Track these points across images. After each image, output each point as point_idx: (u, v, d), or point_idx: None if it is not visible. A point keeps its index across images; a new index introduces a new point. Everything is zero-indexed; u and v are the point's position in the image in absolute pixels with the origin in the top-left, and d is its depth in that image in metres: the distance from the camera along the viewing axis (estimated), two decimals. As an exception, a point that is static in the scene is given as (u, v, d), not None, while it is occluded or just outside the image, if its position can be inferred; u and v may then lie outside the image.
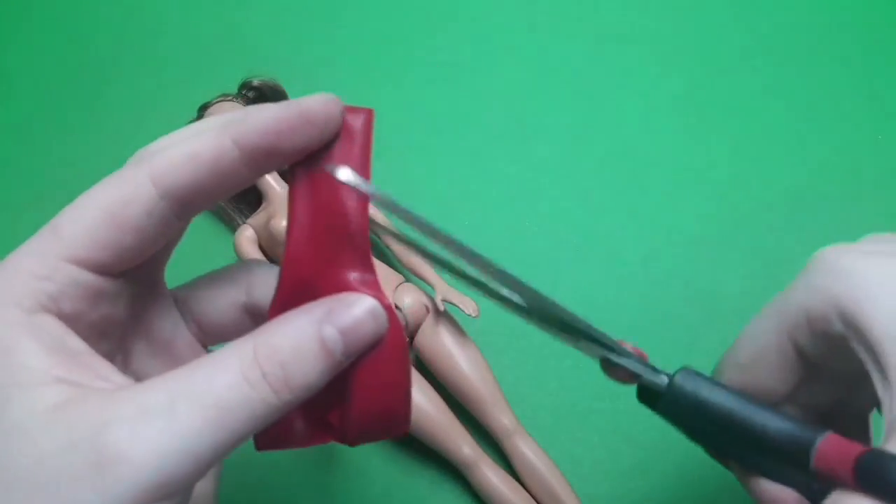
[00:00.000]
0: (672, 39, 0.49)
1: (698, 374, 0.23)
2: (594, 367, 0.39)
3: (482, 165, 0.45)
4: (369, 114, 0.21)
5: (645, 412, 0.38)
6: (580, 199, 0.44)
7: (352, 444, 0.21)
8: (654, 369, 0.23)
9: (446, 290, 0.36)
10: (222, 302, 0.22)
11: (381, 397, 0.21)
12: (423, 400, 0.35)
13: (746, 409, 0.22)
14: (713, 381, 0.23)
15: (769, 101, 0.47)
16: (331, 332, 0.18)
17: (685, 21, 0.50)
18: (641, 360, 0.23)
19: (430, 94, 0.47)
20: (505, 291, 0.22)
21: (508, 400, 0.36)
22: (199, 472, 0.17)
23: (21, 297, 0.17)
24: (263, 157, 0.19)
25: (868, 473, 0.19)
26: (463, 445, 0.35)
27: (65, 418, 0.16)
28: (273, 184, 0.40)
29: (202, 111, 0.42)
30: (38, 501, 0.16)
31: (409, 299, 0.37)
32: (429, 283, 0.37)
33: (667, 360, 0.38)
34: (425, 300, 0.37)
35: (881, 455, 0.19)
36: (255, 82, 0.42)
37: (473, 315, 0.35)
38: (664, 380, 0.23)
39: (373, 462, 0.37)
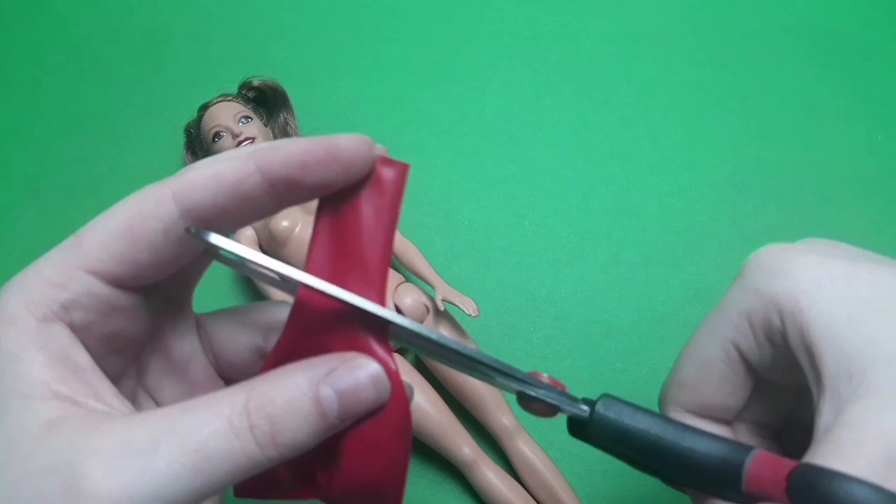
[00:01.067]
0: (672, 40, 0.49)
1: (619, 401, 0.22)
2: (594, 366, 0.39)
3: (482, 165, 0.45)
4: (404, 168, 0.20)
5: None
6: (580, 199, 0.44)
7: None
8: (574, 399, 0.22)
9: (446, 290, 0.36)
10: (239, 341, 0.22)
11: (373, 471, 0.19)
12: (424, 400, 0.35)
13: (672, 433, 0.21)
14: (635, 406, 0.22)
15: (769, 101, 0.47)
16: (328, 392, 0.17)
17: (685, 21, 0.50)
18: (558, 391, 0.22)
19: (430, 94, 0.47)
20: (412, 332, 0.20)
21: (508, 400, 0.36)
22: None
23: (35, 304, 0.18)
24: (285, 187, 0.18)
25: (800, 491, 0.18)
26: (463, 445, 0.35)
27: (52, 439, 0.16)
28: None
29: (202, 111, 0.42)
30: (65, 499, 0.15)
31: (409, 299, 0.37)
32: (429, 283, 0.37)
33: (667, 360, 0.39)
34: (425, 300, 0.37)
35: (810, 470, 0.18)
36: (256, 82, 0.42)
37: (474, 315, 0.35)
38: (585, 410, 0.22)
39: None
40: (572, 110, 0.47)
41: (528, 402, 0.22)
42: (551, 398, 0.22)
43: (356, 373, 0.18)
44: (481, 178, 0.45)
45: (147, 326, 0.21)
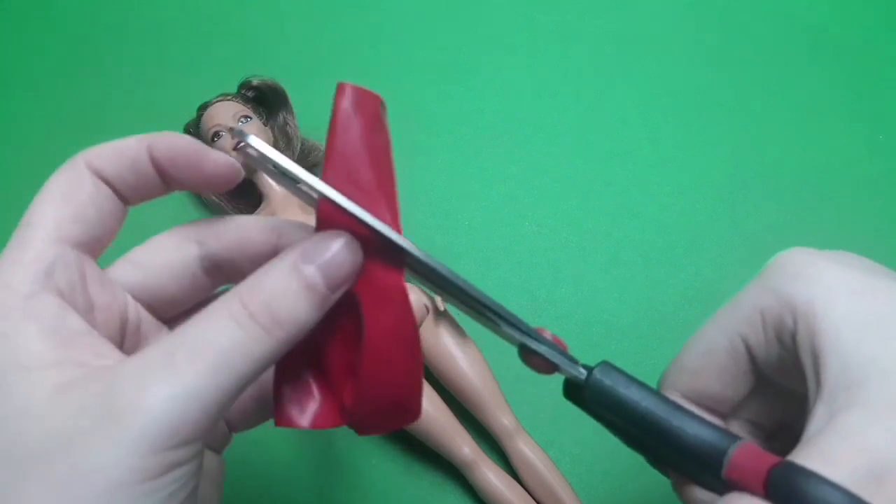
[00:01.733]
0: (672, 40, 0.49)
1: (617, 370, 0.22)
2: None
3: (482, 165, 0.45)
4: (367, 97, 0.21)
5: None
6: (580, 199, 0.44)
7: (361, 430, 0.21)
8: (574, 361, 0.22)
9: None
10: (173, 267, 0.22)
11: (389, 381, 0.21)
12: (423, 400, 0.35)
13: (664, 410, 0.21)
14: (632, 378, 0.22)
15: (769, 101, 0.47)
16: (310, 269, 0.18)
17: (685, 21, 0.50)
18: (560, 349, 0.22)
19: (430, 94, 0.47)
20: (426, 265, 0.21)
21: (509, 400, 0.36)
22: (207, 418, 0.17)
23: (16, 283, 0.18)
24: (164, 174, 0.21)
25: (778, 487, 0.18)
26: (463, 446, 0.35)
27: (69, 393, 0.17)
28: (272, 184, 0.40)
29: (201, 110, 0.42)
30: (53, 468, 0.16)
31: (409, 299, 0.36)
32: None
33: (667, 359, 0.39)
34: (426, 300, 0.37)
35: (792, 468, 0.18)
36: (255, 82, 0.42)
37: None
38: (582, 372, 0.22)
39: (372, 462, 0.37)
40: (572, 110, 0.47)
41: (528, 356, 0.22)
42: (552, 356, 0.22)
43: (329, 244, 0.19)
44: (481, 178, 0.44)
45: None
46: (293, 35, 0.49)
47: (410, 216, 0.43)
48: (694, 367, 0.23)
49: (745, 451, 0.20)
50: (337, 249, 0.19)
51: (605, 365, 0.22)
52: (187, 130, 0.43)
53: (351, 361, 0.21)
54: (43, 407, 0.16)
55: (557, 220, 0.43)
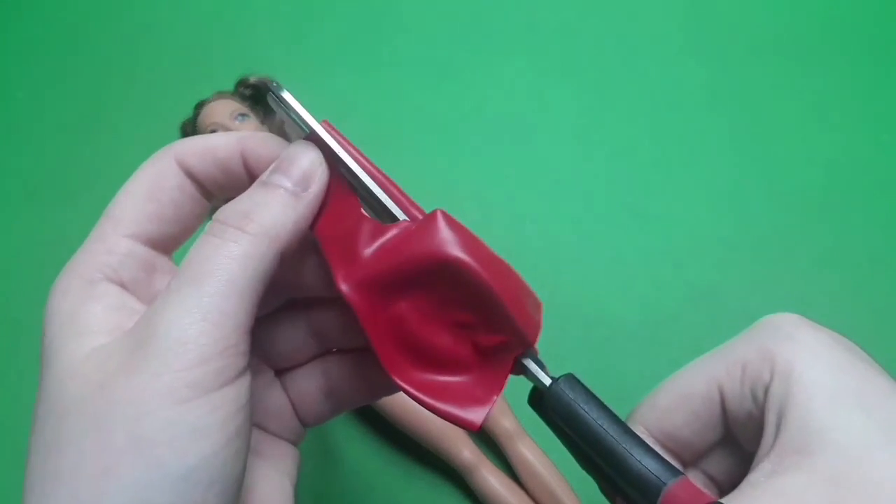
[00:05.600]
0: (674, 39, 0.49)
1: (582, 385, 0.22)
2: (595, 368, 0.39)
3: (482, 165, 0.45)
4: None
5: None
6: (580, 199, 0.44)
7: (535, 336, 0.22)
8: (542, 366, 0.22)
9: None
10: (170, 193, 0.22)
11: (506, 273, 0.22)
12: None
13: (616, 432, 0.21)
14: (594, 395, 0.22)
15: (773, 101, 0.47)
16: (286, 183, 0.20)
17: (687, 20, 0.50)
18: (532, 352, 0.22)
19: (430, 92, 0.47)
20: None
21: (509, 402, 0.36)
22: (221, 332, 0.17)
23: (83, 271, 0.19)
24: (258, 173, 0.21)
25: None
26: (463, 449, 0.34)
27: (106, 347, 0.18)
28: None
29: (198, 109, 0.41)
30: (87, 408, 0.17)
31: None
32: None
33: (669, 360, 0.38)
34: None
35: None
36: (252, 80, 0.42)
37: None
38: (547, 381, 0.22)
39: (373, 466, 0.36)
40: (573, 110, 0.46)
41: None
42: (524, 359, 0.22)
43: (298, 161, 0.20)
44: (481, 178, 0.44)
45: None
46: (291, 32, 0.49)
47: (410, 216, 0.42)
48: (667, 407, 0.23)
49: (683, 487, 0.20)
50: (305, 163, 0.20)
51: (570, 378, 0.22)
52: (184, 128, 0.43)
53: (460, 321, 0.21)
54: (81, 362, 0.17)
55: (558, 220, 0.43)
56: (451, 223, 0.21)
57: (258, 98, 0.42)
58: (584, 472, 0.37)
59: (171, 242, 0.21)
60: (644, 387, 0.39)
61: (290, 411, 0.23)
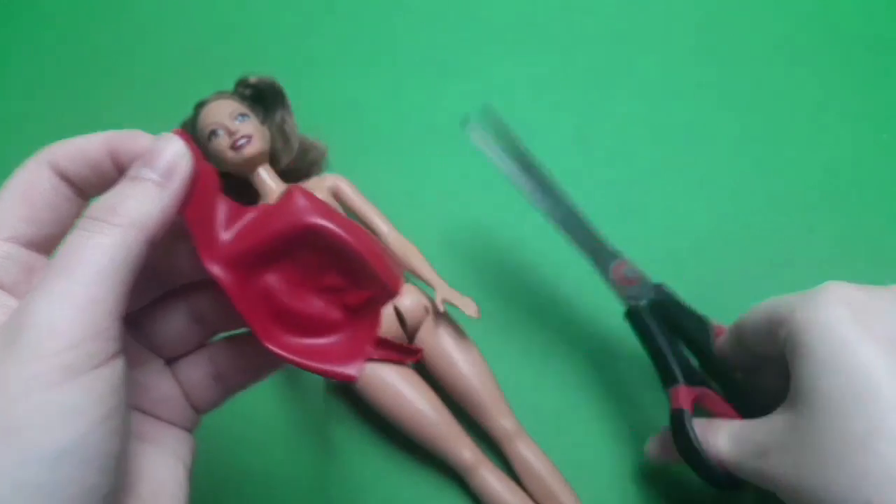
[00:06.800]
0: (674, 38, 0.49)
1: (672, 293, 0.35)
2: (596, 369, 0.39)
3: (482, 165, 0.45)
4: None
5: (648, 415, 0.38)
6: (580, 199, 0.44)
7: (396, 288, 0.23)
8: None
9: (446, 290, 0.36)
10: (44, 196, 0.22)
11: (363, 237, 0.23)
12: (423, 403, 0.34)
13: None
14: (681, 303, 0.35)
15: (774, 101, 0.47)
16: (152, 175, 0.20)
17: (687, 19, 0.50)
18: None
19: (430, 92, 0.47)
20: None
21: (509, 402, 0.36)
22: (88, 317, 0.18)
23: None
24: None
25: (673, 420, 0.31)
26: (463, 449, 0.34)
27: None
28: (269, 182, 0.39)
29: (198, 109, 0.41)
30: None
31: (408, 301, 0.36)
32: (429, 284, 0.37)
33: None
34: (425, 301, 0.37)
35: (682, 414, 0.31)
36: (252, 80, 0.42)
37: (474, 316, 0.35)
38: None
39: (372, 466, 0.36)
40: (573, 110, 0.46)
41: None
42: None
43: (163, 154, 0.21)
44: (481, 178, 0.44)
45: None
46: (291, 32, 0.49)
47: (410, 216, 0.42)
48: (743, 325, 0.31)
49: (682, 390, 0.33)
50: (170, 155, 0.21)
51: (663, 286, 0.36)
52: (184, 128, 0.42)
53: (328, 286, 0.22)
54: None
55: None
56: (307, 196, 0.22)
57: (259, 98, 0.42)
58: (585, 476, 0.37)
59: (50, 243, 0.22)
60: (644, 388, 0.39)
61: (181, 398, 0.24)
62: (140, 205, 0.20)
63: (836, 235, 0.42)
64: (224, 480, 0.36)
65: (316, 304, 0.23)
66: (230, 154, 0.38)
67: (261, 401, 0.38)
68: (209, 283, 0.23)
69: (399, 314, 0.36)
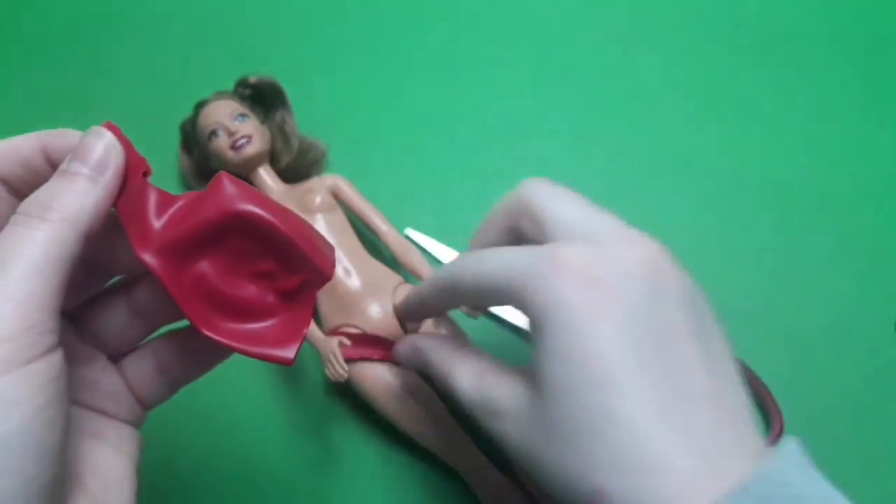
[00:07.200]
0: (674, 38, 0.49)
1: None
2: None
3: (482, 165, 0.45)
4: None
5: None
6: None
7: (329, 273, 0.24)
8: None
9: (446, 290, 0.36)
10: None
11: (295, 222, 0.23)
12: (427, 409, 0.35)
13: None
14: None
15: (773, 100, 0.47)
16: (83, 170, 0.21)
17: (687, 19, 0.50)
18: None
19: (430, 93, 0.47)
20: None
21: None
22: (21, 311, 0.19)
23: None
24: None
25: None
26: (465, 449, 0.34)
27: None
28: (269, 181, 0.39)
29: (198, 109, 0.41)
30: None
31: (408, 300, 0.36)
32: (428, 284, 0.37)
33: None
34: (425, 301, 0.36)
35: None
36: (252, 80, 0.42)
37: (473, 315, 0.35)
38: None
39: (372, 467, 0.36)
40: (573, 110, 0.46)
41: None
42: None
43: (94, 148, 0.21)
44: (481, 177, 0.44)
45: None
46: (291, 32, 0.49)
47: (410, 216, 0.42)
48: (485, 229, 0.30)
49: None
50: (100, 149, 0.21)
51: None
52: (184, 128, 0.42)
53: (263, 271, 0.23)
54: None
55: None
56: (235, 182, 0.22)
57: (258, 98, 0.42)
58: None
59: None
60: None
61: (126, 394, 0.25)
62: (73, 199, 0.20)
63: (834, 235, 0.43)
64: (224, 480, 0.36)
65: (250, 290, 0.23)
66: (230, 154, 0.38)
67: (259, 401, 0.38)
68: (149, 276, 0.23)
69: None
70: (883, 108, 0.47)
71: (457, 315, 0.37)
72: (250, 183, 0.39)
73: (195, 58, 0.48)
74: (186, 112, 0.42)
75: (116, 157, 0.21)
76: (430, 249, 0.41)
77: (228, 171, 0.39)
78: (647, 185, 0.44)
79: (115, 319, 0.25)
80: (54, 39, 0.49)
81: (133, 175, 0.22)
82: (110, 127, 0.22)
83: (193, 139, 0.41)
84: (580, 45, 0.49)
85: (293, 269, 0.23)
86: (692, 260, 0.42)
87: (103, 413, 0.24)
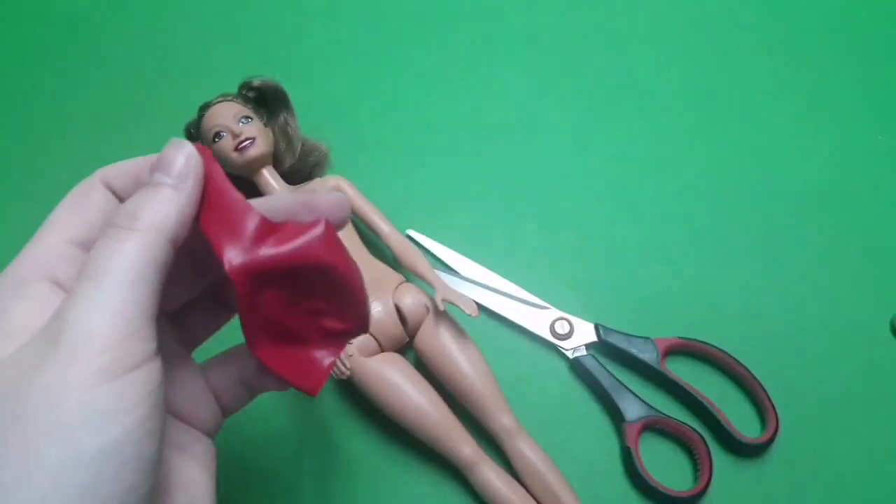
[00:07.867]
0: (671, 40, 0.49)
1: None
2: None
3: (482, 165, 0.45)
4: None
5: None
6: (580, 198, 0.44)
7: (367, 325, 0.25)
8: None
9: (446, 290, 0.36)
10: (103, 211, 0.23)
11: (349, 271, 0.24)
12: (424, 400, 0.35)
13: None
14: None
15: (770, 101, 0.47)
16: (165, 180, 0.21)
17: (684, 21, 0.50)
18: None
19: (429, 93, 0.47)
20: None
21: (509, 400, 0.36)
22: (120, 323, 0.19)
23: (17, 272, 0.21)
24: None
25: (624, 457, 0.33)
26: (463, 446, 0.35)
27: (27, 346, 0.19)
28: (273, 183, 0.40)
29: (202, 111, 0.42)
30: (16, 392, 0.18)
31: (409, 299, 0.37)
32: (429, 284, 0.37)
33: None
34: (425, 300, 0.37)
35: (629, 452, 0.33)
36: (255, 82, 0.42)
37: (473, 315, 0.35)
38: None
39: (373, 462, 0.37)
40: (572, 110, 0.47)
41: None
42: None
43: (175, 158, 0.22)
44: (481, 177, 0.44)
45: None
46: (293, 35, 0.49)
47: (410, 216, 0.43)
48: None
49: None
50: (181, 160, 0.22)
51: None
52: (188, 130, 0.43)
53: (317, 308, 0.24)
54: (3, 364, 0.19)
55: (557, 220, 0.43)
56: (328, 229, 0.23)
57: (262, 100, 0.43)
58: (584, 473, 0.37)
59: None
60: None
61: (211, 399, 0.25)
62: (158, 208, 0.21)
63: (832, 235, 0.43)
64: (224, 480, 0.36)
65: (300, 319, 0.24)
66: (234, 156, 0.39)
67: (262, 400, 0.38)
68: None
69: (400, 313, 0.37)
70: (876, 109, 0.47)
71: (457, 314, 0.37)
72: (253, 184, 0.40)
73: (199, 61, 0.49)
74: (191, 114, 0.43)
75: (196, 165, 0.22)
76: (431, 249, 0.41)
77: (232, 173, 0.39)
78: (645, 185, 0.44)
79: (209, 327, 0.26)
80: (59, 43, 0.50)
81: (215, 185, 0.23)
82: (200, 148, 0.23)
83: (198, 141, 0.42)
84: (580, 46, 0.49)
85: (345, 316, 0.24)
86: (689, 258, 0.42)
87: (187, 419, 0.24)
